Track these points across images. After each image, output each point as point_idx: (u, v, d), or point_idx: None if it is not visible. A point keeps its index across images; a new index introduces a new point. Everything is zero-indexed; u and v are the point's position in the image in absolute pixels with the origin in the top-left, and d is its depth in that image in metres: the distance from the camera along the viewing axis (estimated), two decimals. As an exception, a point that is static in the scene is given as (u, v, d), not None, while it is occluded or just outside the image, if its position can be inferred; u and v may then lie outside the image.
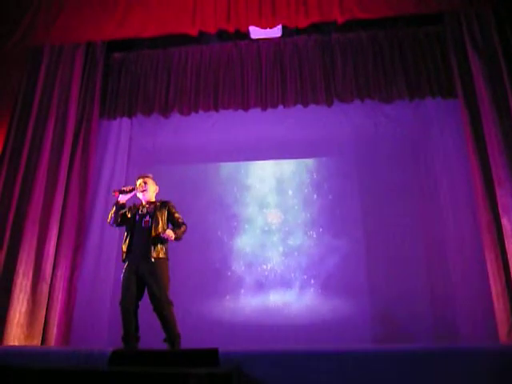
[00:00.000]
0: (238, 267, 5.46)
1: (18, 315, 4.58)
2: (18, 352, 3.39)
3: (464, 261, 4.86)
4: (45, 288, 4.80)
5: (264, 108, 5.54)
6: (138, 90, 5.78)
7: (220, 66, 5.73)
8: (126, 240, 3.88)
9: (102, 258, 5.37)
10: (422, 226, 5.32)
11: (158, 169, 5.93)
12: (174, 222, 3.96)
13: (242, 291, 5.38)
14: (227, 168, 5.92)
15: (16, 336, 4.52)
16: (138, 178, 4.11)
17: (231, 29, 5.47)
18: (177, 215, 3.98)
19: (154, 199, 4.09)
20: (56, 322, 4.80)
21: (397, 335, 4.91)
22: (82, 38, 5.72)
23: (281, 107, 5.53)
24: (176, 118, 5.78)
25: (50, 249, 4.92)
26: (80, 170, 5.35)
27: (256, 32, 5.63)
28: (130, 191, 3.98)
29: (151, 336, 3.72)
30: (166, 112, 5.64)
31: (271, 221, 5.63)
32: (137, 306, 3.74)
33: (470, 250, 4.83)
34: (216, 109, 5.61)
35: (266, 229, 5.60)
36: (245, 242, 5.56)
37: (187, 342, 3.67)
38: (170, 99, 5.64)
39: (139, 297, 3.76)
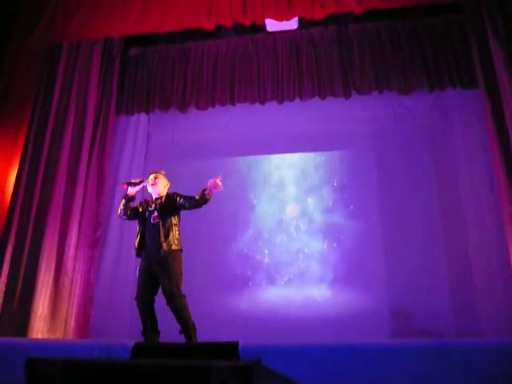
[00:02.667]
0: (255, 260, 5.47)
1: (41, 309, 4.66)
2: (42, 344, 3.45)
3: (485, 253, 4.78)
4: (66, 282, 4.88)
5: (280, 101, 5.51)
6: (155, 85, 5.81)
7: (236, 59, 5.73)
8: (137, 236, 3.89)
9: (123, 251, 5.43)
10: (443, 219, 5.26)
11: (176, 164, 5.98)
12: (185, 201, 3.82)
13: (260, 285, 5.39)
14: (245, 162, 5.92)
15: (39, 329, 4.61)
16: (150, 174, 4.11)
17: (247, 22, 5.45)
18: (184, 195, 3.87)
19: (163, 194, 4.05)
20: (76, 315, 4.88)
21: (416, 329, 4.88)
22: (99, 34, 5.76)
23: (298, 100, 5.50)
24: (193, 112, 5.81)
25: (71, 243, 4.99)
26: (98, 166, 5.40)
27: (272, 25, 5.60)
28: (139, 183, 3.98)
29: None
30: (183, 107, 5.66)
31: (289, 214, 5.62)
32: (152, 301, 3.76)
33: (492, 242, 4.75)
34: (233, 103, 5.61)
35: (284, 222, 5.60)
36: (263, 235, 5.56)
37: (208, 335, 3.69)
38: (187, 94, 5.66)
39: (154, 292, 3.78)
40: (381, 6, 5.28)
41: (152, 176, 4.05)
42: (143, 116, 6.01)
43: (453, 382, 2.64)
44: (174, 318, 3.68)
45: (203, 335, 3.72)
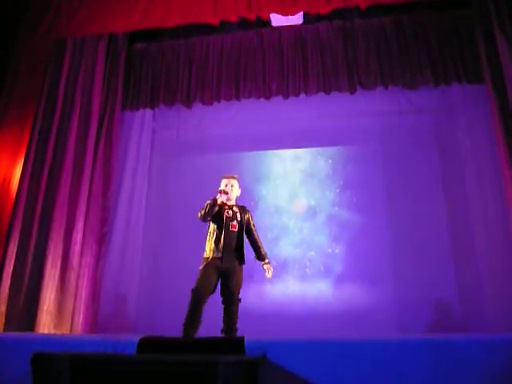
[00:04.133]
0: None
1: (47, 303, 4.69)
2: (49, 339, 3.47)
3: (491, 247, 4.78)
4: (73, 277, 4.91)
5: (286, 96, 5.50)
6: (160, 80, 5.81)
7: (241, 54, 5.72)
8: (217, 238, 3.89)
9: (128, 246, 5.46)
10: (448, 214, 5.24)
11: (181, 159, 6.00)
12: (251, 235, 4.04)
13: (265, 280, 5.37)
14: (250, 157, 5.91)
15: (46, 324, 4.64)
16: (224, 178, 4.09)
17: (252, 17, 5.43)
18: (254, 229, 4.07)
19: (234, 202, 4.09)
20: (82, 311, 4.91)
21: (422, 325, 4.88)
22: (104, 30, 5.76)
23: (303, 95, 5.49)
24: (198, 108, 5.81)
25: (77, 238, 5.02)
26: (104, 162, 5.42)
27: (277, 19, 5.59)
28: (227, 194, 3.97)
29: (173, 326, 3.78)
30: (188, 102, 5.67)
31: (295, 209, 5.61)
32: (206, 300, 3.78)
33: (497, 236, 4.75)
34: (238, 98, 5.61)
35: (290, 217, 5.59)
36: (268, 231, 5.55)
37: (214, 331, 3.71)
38: (192, 89, 5.66)
39: (213, 291, 3.82)
40: (386, 1, 5.25)
41: (227, 181, 4.06)
42: (148, 111, 6.02)
43: (460, 377, 2.64)
44: (222, 317, 3.77)
45: (209, 331, 3.74)
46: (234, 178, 4.13)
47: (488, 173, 4.94)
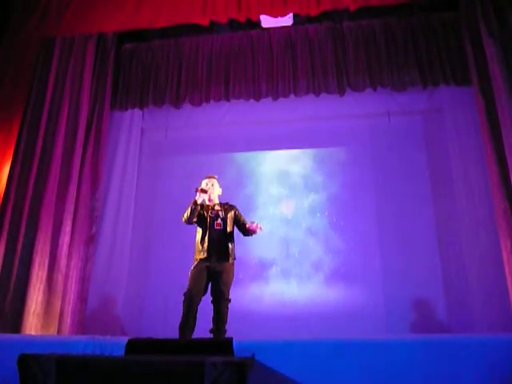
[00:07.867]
0: (248, 257, 5.44)
1: (34, 305, 4.64)
2: (35, 341, 3.43)
3: (479, 248, 4.80)
4: (60, 278, 4.87)
5: (275, 97, 5.52)
6: (150, 80, 5.80)
7: (231, 55, 5.72)
8: (202, 239, 3.95)
9: (116, 248, 5.42)
10: (436, 215, 5.28)
11: (170, 160, 5.98)
12: (241, 227, 4.09)
13: (254, 282, 5.39)
14: (239, 158, 5.91)
15: (33, 325, 4.59)
16: (204, 179, 4.17)
17: (242, 18, 5.43)
18: (243, 220, 4.12)
19: (217, 201, 4.16)
20: (70, 312, 4.88)
21: (410, 325, 4.90)
22: (93, 29, 5.72)
23: (292, 96, 5.51)
24: (187, 108, 5.81)
25: (64, 240, 4.98)
26: (92, 162, 5.39)
27: (267, 21, 5.60)
28: (206, 192, 4.02)
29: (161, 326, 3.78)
30: (177, 103, 5.67)
31: (284, 210, 5.62)
32: (200, 300, 3.84)
33: (485, 237, 4.78)
34: (227, 99, 5.62)
35: (279, 218, 5.59)
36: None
37: (202, 332, 3.72)
38: (182, 89, 5.66)
39: (205, 292, 3.89)
40: (375, 3, 5.28)
41: (207, 181, 4.14)
42: (137, 111, 5.99)
43: (449, 377, 2.66)
44: (212, 317, 3.82)
45: (198, 332, 3.75)
46: (213, 177, 4.17)
47: (475, 173, 4.98)
